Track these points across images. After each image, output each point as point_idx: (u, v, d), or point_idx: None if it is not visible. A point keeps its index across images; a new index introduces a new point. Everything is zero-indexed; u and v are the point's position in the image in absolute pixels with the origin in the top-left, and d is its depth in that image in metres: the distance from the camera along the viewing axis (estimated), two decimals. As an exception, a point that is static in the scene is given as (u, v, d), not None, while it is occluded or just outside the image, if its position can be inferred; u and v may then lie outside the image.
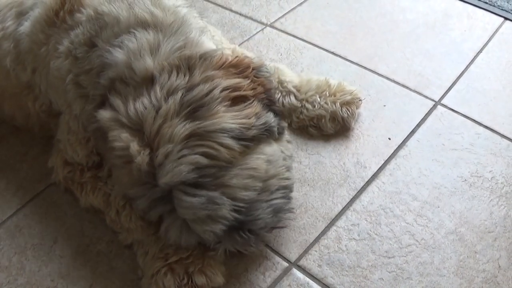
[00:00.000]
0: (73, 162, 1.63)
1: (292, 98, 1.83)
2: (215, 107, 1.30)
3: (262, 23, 2.33)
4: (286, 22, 2.33)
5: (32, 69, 1.66)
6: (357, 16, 2.32)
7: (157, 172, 1.26)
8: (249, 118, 1.32)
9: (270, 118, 1.38)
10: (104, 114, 1.34)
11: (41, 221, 1.66)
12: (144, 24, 1.43)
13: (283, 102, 1.84)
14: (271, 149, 1.38)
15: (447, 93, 1.95)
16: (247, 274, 1.49)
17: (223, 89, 1.32)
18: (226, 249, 1.41)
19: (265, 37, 2.25)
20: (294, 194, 1.63)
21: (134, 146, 1.27)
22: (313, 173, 1.72)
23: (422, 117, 1.87)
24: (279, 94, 1.85)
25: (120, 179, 1.37)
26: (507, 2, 2.30)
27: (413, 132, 1.82)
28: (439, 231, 1.55)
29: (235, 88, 1.35)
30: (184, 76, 1.33)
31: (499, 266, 1.47)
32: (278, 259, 1.52)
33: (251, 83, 1.39)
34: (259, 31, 2.29)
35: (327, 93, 1.83)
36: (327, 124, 1.80)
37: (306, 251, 1.53)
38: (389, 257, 1.50)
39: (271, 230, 1.46)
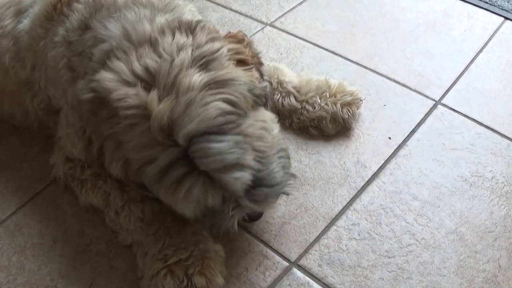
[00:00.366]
0: (74, 158, 1.61)
1: (292, 99, 1.83)
2: (226, 62, 1.31)
3: (262, 22, 2.33)
4: (286, 21, 2.33)
5: (32, 65, 1.66)
6: (357, 16, 2.32)
7: (179, 123, 1.20)
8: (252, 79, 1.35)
9: (266, 85, 1.39)
10: (106, 75, 1.28)
11: (41, 220, 1.66)
12: (140, 5, 1.44)
13: (282, 103, 1.83)
14: (269, 113, 1.40)
15: (447, 92, 1.95)
16: (247, 273, 1.49)
17: (229, 50, 1.34)
18: (245, 215, 1.39)
19: (265, 36, 2.25)
20: (294, 194, 1.64)
21: (153, 96, 1.22)
22: (313, 173, 1.71)
23: (422, 116, 1.87)
24: (279, 95, 1.84)
25: (127, 144, 1.27)
26: (507, 2, 2.30)
27: (413, 131, 1.82)
28: (440, 231, 1.55)
29: (238, 52, 1.36)
30: (187, 37, 1.33)
31: (500, 266, 1.47)
32: (278, 258, 1.51)
33: (249, 52, 1.42)
34: (259, 30, 2.29)
35: (328, 94, 1.83)
36: (327, 125, 1.80)
37: (306, 251, 1.53)
38: (390, 257, 1.50)
39: (283, 189, 1.41)
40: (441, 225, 1.56)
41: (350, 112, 1.80)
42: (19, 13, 1.69)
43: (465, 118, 1.85)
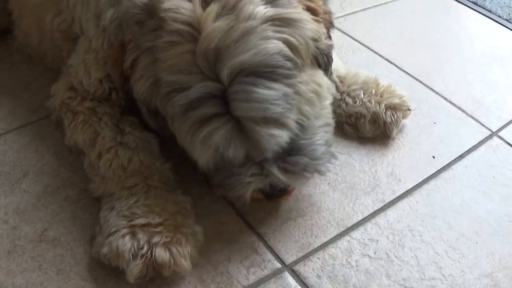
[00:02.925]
0: (79, 88, 1.33)
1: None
2: (295, 2, 1.08)
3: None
4: (345, 22, 2.01)
5: None
6: (422, 32, 1.98)
7: (230, 51, 0.98)
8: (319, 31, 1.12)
9: (332, 45, 1.17)
10: None
11: (20, 150, 1.38)
12: None
13: None
14: (327, 79, 1.16)
15: (506, 126, 1.58)
16: (228, 264, 1.14)
17: None
18: (266, 187, 1.12)
19: (318, 29, 1.92)
20: (309, 190, 1.30)
21: (209, 13, 0.99)
22: (337, 173, 1.36)
23: (474, 143, 1.50)
24: None
25: (163, 63, 1.04)
26: None
27: (461, 156, 1.45)
28: (472, 271, 1.17)
29: None
30: None
31: (539, 330, 1.09)
32: (270, 256, 1.16)
33: (323, 5, 1.18)
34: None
35: (373, 91, 1.48)
36: (365, 125, 1.45)
37: (306, 256, 1.17)
38: (406, 287, 1.13)
39: (320, 166, 1.16)
40: (475, 264, 1.18)
41: (393, 117, 1.45)
42: None
43: (523, 156, 1.48)
